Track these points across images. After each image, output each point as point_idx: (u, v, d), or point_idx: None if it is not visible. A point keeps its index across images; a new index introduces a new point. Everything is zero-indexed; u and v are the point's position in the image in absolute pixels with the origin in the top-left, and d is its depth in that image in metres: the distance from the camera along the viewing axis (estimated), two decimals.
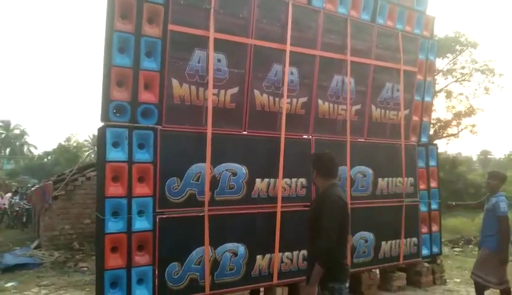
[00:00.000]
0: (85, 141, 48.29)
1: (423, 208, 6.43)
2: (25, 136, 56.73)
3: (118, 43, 4.11)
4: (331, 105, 5.52)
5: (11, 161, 50.73)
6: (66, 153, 35.97)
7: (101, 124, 4.25)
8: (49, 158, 44.97)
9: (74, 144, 40.51)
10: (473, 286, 5.24)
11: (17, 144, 55.64)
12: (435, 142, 10.43)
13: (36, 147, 56.31)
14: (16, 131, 55.50)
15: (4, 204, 15.35)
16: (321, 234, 2.90)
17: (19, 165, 45.57)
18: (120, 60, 4.13)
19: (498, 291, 4.92)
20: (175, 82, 4.43)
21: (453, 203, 6.31)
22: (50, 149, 48.03)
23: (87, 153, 39.63)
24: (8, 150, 55.05)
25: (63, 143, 40.84)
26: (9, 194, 15.80)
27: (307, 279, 3.09)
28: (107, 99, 4.11)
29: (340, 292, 2.97)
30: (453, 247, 9.95)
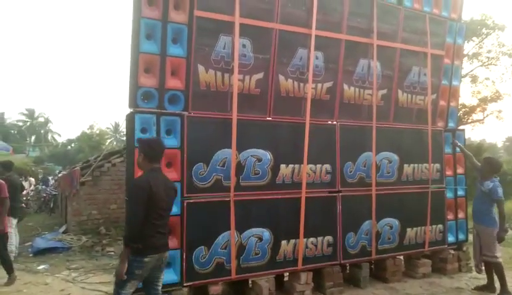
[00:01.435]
0: (107, 128, 49.29)
1: (449, 194, 6.33)
2: (49, 124, 58.35)
3: (145, 30, 4.13)
4: (356, 90, 5.44)
5: (36, 148, 52.19)
6: (89, 140, 36.77)
7: (129, 110, 4.31)
8: (72, 145, 46.09)
9: (97, 132, 41.28)
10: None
11: (41, 131, 57.23)
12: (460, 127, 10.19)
13: (59, 135, 58.00)
14: (41, 119, 57.03)
15: (45, 194, 15.30)
16: (126, 219, 3.32)
17: (44, 152, 46.86)
18: (147, 47, 4.16)
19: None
20: (200, 68, 4.44)
21: (458, 143, 6.23)
22: (73, 136, 49.26)
23: (109, 140, 40.41)
24: (33, 137, 56.71)
25: (86, 131, 41.69)
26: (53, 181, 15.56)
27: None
28: (135, 85, 4.15)
29: (136, 263, 3.18)
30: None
